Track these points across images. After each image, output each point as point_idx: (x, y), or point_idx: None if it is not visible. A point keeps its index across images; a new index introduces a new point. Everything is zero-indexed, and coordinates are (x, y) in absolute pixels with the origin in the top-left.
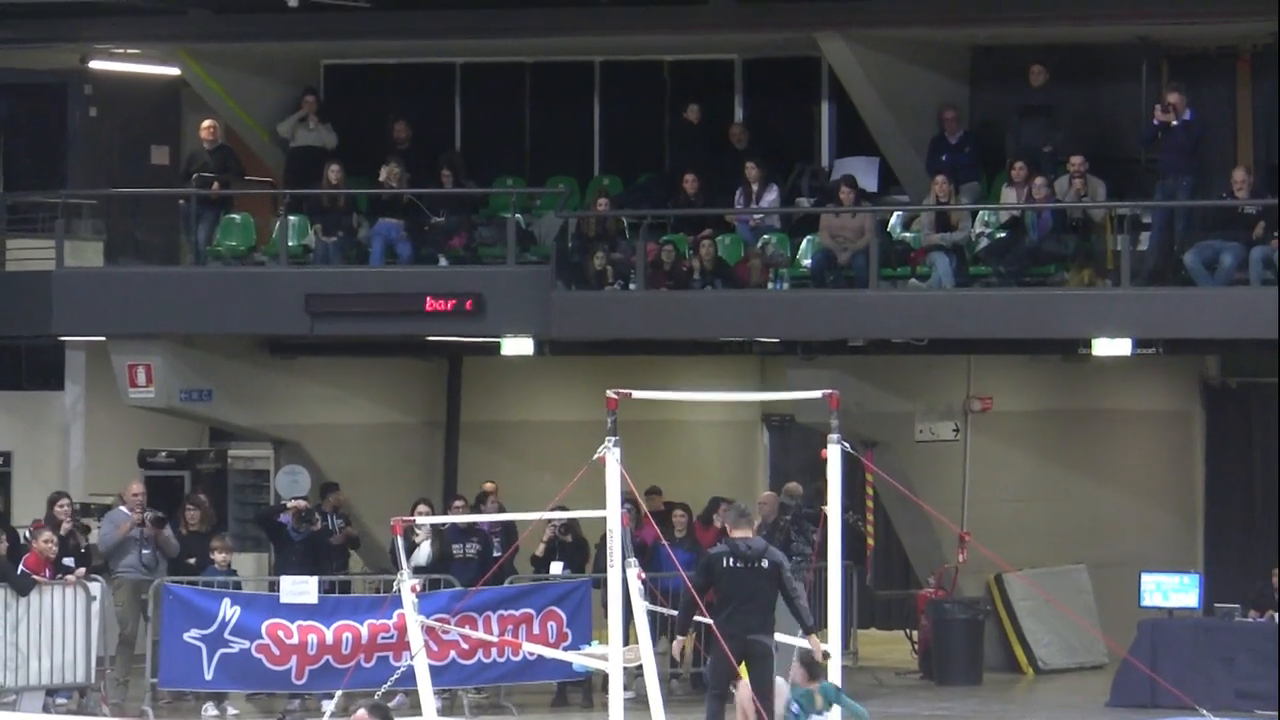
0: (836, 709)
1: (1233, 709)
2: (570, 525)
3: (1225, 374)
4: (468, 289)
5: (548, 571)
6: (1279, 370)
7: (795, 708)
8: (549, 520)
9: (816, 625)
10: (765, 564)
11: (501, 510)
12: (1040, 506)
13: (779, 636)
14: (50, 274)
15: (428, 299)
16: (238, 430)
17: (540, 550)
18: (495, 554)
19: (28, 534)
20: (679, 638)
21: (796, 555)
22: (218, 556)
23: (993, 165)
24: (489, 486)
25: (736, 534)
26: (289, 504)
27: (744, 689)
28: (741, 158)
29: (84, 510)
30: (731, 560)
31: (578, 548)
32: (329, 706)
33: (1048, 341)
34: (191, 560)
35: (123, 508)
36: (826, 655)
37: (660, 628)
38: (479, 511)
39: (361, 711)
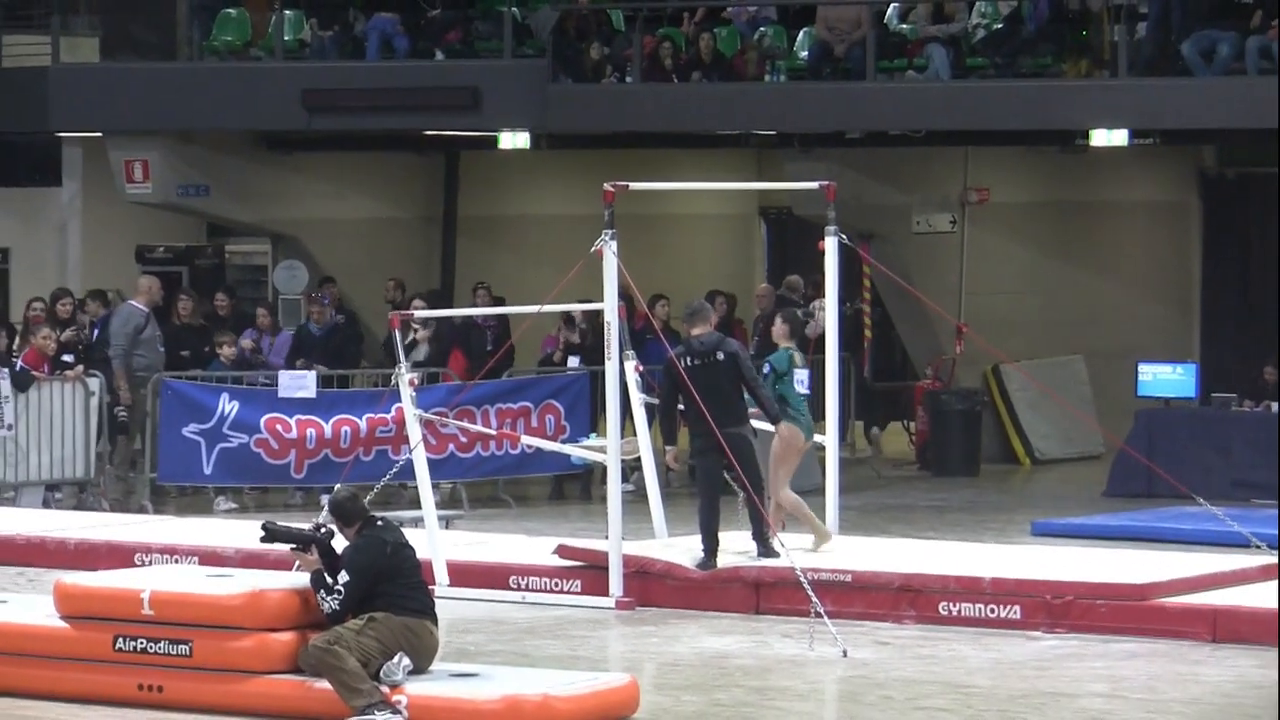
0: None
1: (1229, 498)
2: (586, 328)
3: (1222, 164)
4: (464, 83)
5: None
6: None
7: (767, 369)
8: (563, 324)
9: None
10: (720, 356)
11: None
12: (1037, 298)
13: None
14: (47, 70)
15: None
16: (235, 225)
17: (558, 356)
18: (488, 347)
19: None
20: (668, 448)
21: None
22: (225, 350)
23: None
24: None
25: (694, 332)
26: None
27: (786, 494)
28: None
29: (82, 306)
30: (689, 359)
31: (596, 348)
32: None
33: (1045, 133)
34: (185, 353)
35: (133, 301)
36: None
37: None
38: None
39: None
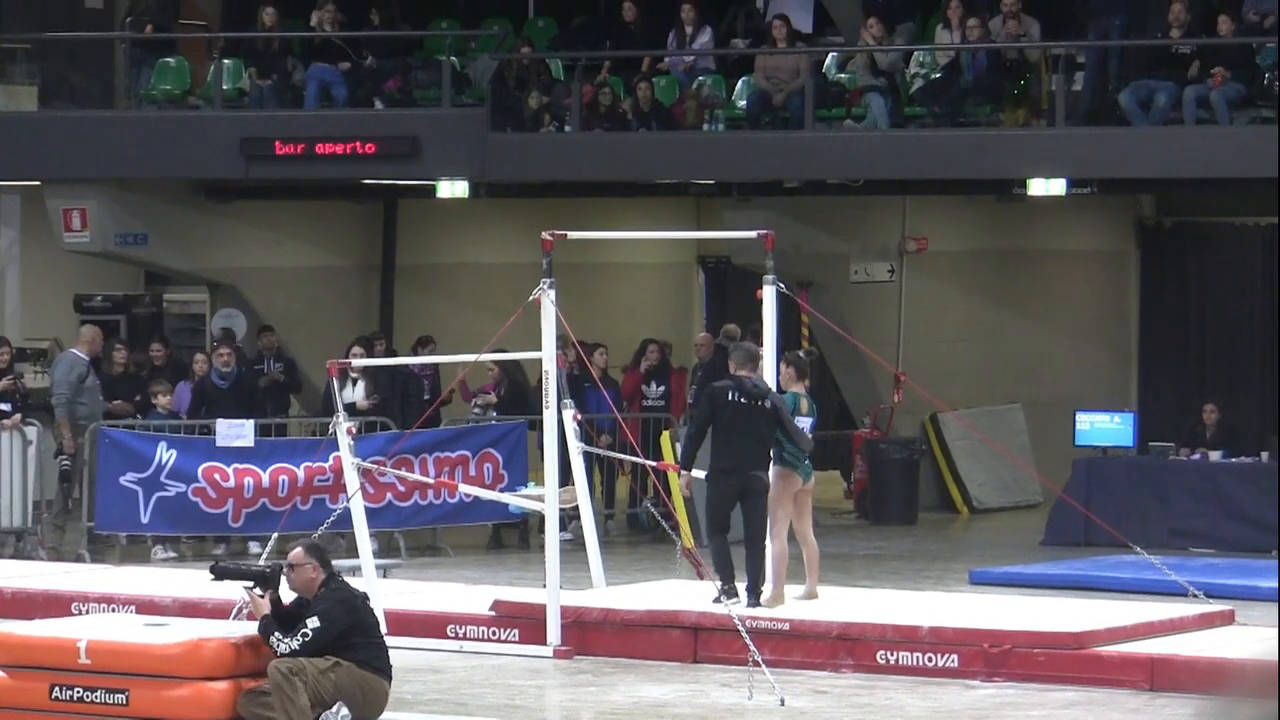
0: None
1: (1167, 546)
2: (504, 380)
3: (1160, 213)
4: (403, 132)
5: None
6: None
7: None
8: (485, 386)
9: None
10: (767, 404)
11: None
12: (976, 346)
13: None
14: None
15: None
16: (173, 274)
17: (473, 405)
18: (425, 397)
19: None
20: (683, 473)
21: None
22: (161, 400)
23: (927, 6)
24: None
25: (742, 372)
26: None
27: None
28: (676, 0)
29: (20, 355)
30: (736, 395)
31: (513, 400)
32: (256, 548)
33: (983, 182)
34: (116, 401)
35: (75, 350)
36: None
37: (596, 469)
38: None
39: (298, 550)
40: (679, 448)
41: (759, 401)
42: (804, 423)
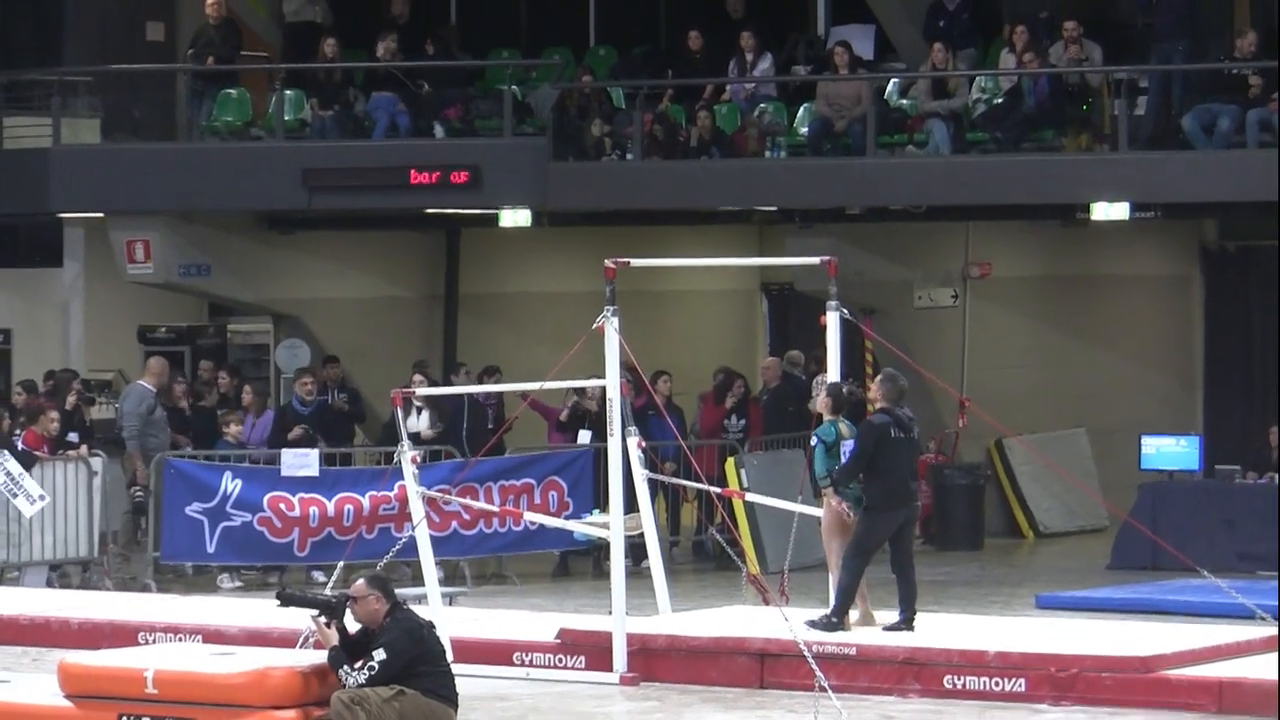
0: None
1: (1233, 570)
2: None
3: (1223, 237)
4: (465, 161)
5: (574, 439)
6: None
7: (815, 441)
8: (574, 391)
9: None
10: (916, 433)
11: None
12: (1040, 371)
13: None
14: (48, 151)
15: (412, 171)
16: (237, 305)
17: (565, 415)
18: (489, 426)
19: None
20: (840, 502)
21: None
22: (233, 428)
23: (989, 31)
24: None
25: (887, 404)
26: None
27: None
28: (737, 28)
29: (85, 386)
30: (896, 431)
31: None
32: (320, 577)
33: (1046, 207)
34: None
35: (142, 382)
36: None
37: (661, 496)
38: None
39: (361, 583)
40: (744, 474)
41: (911, 433)
42: (848, 446)
